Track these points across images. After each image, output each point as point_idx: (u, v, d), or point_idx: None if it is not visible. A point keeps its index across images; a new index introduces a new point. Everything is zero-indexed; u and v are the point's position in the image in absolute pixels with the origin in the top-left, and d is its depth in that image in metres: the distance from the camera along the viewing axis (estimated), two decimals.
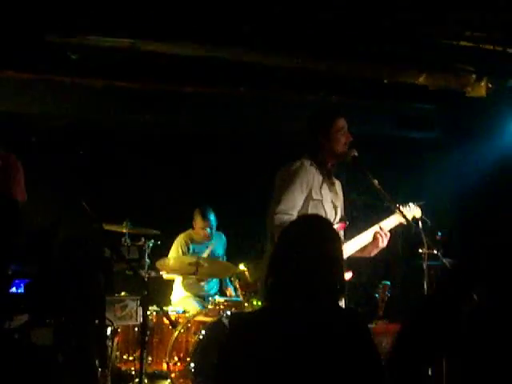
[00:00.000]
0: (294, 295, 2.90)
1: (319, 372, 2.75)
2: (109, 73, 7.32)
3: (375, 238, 4.97)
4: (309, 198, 4.84)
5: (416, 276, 5.67)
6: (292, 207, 4.74)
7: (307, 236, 2.99)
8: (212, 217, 7.70)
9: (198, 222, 7.73)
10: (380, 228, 4.98)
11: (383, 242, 4.98)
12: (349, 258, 4.96)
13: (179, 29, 6.29)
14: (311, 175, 4.86)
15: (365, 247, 5.01)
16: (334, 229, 3.22)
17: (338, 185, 5.14)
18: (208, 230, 7.71)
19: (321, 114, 5.12)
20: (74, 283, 3.62)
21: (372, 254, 5.06)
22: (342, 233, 5.01)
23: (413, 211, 5.24)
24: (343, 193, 5.19)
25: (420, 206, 5.33)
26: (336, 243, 3.04)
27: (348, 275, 4.93)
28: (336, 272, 2.98)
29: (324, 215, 4.81)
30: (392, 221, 5.06)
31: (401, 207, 5.14)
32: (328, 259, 2.94)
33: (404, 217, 4.97)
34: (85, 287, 3.69)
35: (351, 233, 5.08)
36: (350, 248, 4.94)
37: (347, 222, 5.06)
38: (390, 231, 5.06)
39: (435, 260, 5.27)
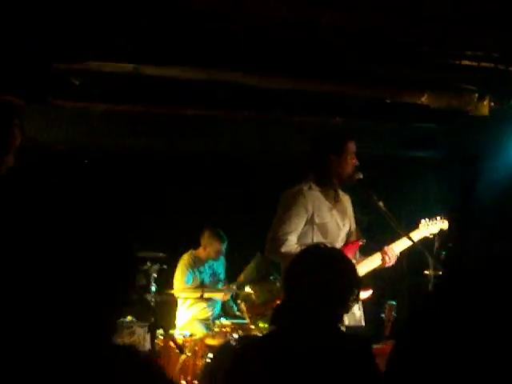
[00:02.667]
0: (298, 322, 2.92)
1: None
2: (111, 97, 7.33)
3: (382, 259, 5.02)
4: (312, 222, 4.86)
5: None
6: (289, 232, 4.78)
7: (315, 267, 3.00)
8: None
9: (216, 244, 7.82)
10: (388, 249, 5.01)
11: (389, 263, 5.02)
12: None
13: (180, 53, 6.31)
14: (311, 199, 4.88)
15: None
16: (343, 260, 3.21)
17: (347, 200, 5.15)
18: (223, 251, 7.85)
19: (334, 136, 5.11)
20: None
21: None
22: (356, 252, 5.04)
23: (439, 225, 5.30)
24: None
25: (448, 220, 5.38)
26: (344, 275, 3.03)
27: (367, 293, 4.97)
28: (340, 303, 2.99)
29: (330, 238, 4.84)
30: (402, 244, 5.09)
31: (425, 221, 5.22)
32: (334, 290, 2.95)
33: (411, 240, 5.01)
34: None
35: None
36: (362, 269, 4.95)
37: (363, 241, 5.09)
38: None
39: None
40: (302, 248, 4.53)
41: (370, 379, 2.87)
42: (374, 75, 6.82)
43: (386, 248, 5.02)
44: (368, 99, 7.43)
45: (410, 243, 5.08)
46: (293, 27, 5.80)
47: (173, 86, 7.00)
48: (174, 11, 5.63)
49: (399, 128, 8.23)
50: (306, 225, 4.86)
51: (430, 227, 5.27)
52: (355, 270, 3.22)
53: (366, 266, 5.00)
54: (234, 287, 7.11)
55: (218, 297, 7.55)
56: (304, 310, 2.93)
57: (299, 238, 4.83)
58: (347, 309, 3.06)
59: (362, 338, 3.40)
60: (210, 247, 7.83)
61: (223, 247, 7.86)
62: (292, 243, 4.77)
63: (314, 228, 4.87)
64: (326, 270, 2.98)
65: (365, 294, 4.97)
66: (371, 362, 2.91)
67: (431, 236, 5.32)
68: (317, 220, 4.88)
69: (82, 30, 5.92)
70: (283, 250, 4.73)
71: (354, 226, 5.16)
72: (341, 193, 5.11)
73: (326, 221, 4.92)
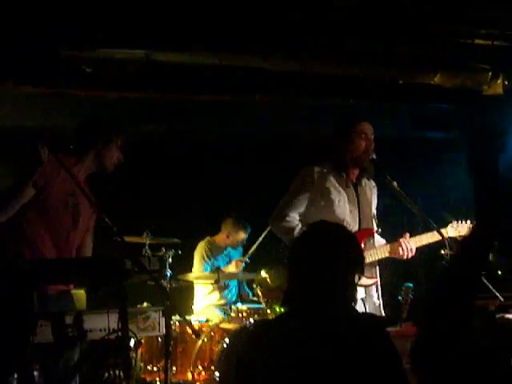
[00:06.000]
0: (307, 302, 2.89)
1: (339, 379, 2.73)
2: (122, 84, 7.31)
3: (395, 250, 4.94)
4: (317, 202, 4.83)
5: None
6: (290, 209, 4.86)
7: (321, 243, 2.96)
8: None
9: (240, 233, 7.86)
10: (404, 241, 4.93)
11: (403, 255, 4.94)
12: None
13: (191, 38, 6.30)
14: (319, 181, 4.85)
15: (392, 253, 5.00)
16: (350, 236, 3.15)
17: (370, 188, 5.08)
18: (245, 240, 7.90)
19: (344, 117, 5.15)
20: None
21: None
22: (366, 239, 4.97)
23: (461, 229, 5.20)
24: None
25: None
26: (347, 250, 2.98)
27: (371, 281, 4.90)
28: (348, 279, 2.94)
29: (337, 220, 4.77)
30: (424, 238, 5.03)
31: (455, 223, 5.18)
32: (341, 267, 2.91)
33: (440, 234, 4.92)
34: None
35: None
36: (371, 257, 4.91)
37: (378, 230, 5.03)
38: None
39: None
40: (305, 226, 4.56)
41: (386, 358, 2.83)
42: (386, 55, 6.77)
43: (401, 240, 4.94)
44: (381, 80, 7.38)
45: (429, 240, 5.03)
46: (300, 8, 5.76)
47: (184, 72, 6.98)
48: None
49: (412, 108, 8.18)
50: (311, 205, 4.85)
51: (460, 229, 5.18)
52: (358, 244, 3.16)
53: (374, 255, 4.95)
54: (246, 258, 7.13)
55: (231, 269, 7.46)
56: (311, 287, 2.89)
57: (305, 217, 4.83)
58: (354, 285, 3.00)
59: (375, 317, 3.34)
60: (234, 236, 7.85)
61: (246, 236, 7.87)
62: (291, 219, 4.85)
63: (318, 209, 4.84)
64: (329, 246, 2.94)
65: (369, 282, 4.91)
66: (387, 342, 2.87)
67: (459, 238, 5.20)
68: (322, 202, 4.85)
69: (91, 18, 5.92)
70: (282, 224, 4.85)
71: (371, 213, 5.08)
72: (364, 180, 5.04)
73: (332, 203, 4.87)
